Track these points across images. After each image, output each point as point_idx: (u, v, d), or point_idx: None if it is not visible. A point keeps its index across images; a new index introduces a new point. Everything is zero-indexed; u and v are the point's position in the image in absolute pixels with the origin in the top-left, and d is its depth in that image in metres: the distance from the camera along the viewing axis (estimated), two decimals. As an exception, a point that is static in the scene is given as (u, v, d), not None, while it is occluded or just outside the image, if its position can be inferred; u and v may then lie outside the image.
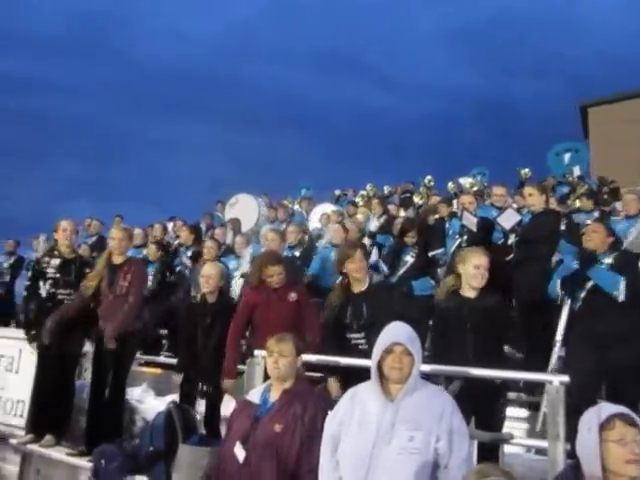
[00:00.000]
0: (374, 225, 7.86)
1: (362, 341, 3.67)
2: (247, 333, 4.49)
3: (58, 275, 4.79)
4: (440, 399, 2.40)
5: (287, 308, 4.16)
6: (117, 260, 4.64)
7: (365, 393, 2.45)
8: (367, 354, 3.51)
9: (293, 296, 4.19)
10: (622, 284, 3.63)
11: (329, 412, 2.60)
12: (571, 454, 2.39)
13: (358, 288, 3.79)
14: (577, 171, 12.12)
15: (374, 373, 2.40)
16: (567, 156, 10.64)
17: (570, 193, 9.34)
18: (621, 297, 3.63)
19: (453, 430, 2.28)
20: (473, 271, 3.42)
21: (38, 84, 54.20)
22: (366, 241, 6.95)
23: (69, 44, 57.21)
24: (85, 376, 5.93)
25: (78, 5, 56.70)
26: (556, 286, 3.96)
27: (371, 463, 2.25)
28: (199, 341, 4.33)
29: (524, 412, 4.40)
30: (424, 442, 2.24)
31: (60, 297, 4.78)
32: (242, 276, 6.41)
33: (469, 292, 3.46)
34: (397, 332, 2.43)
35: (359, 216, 8.68)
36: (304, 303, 4.26)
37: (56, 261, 4.84)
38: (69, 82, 56.74)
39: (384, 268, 5.89)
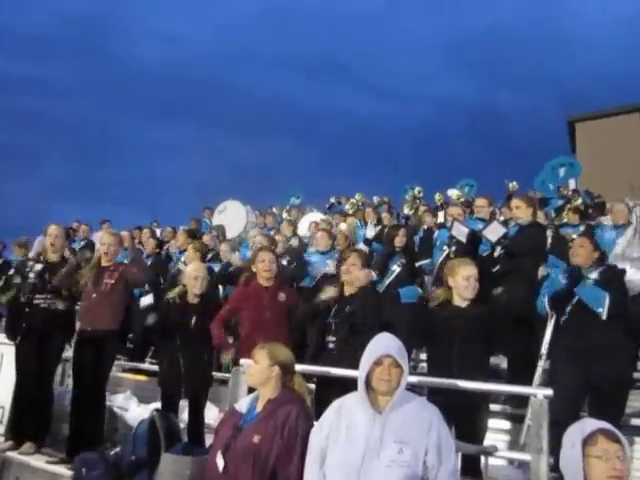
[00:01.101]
0: (371, 233, 7.88)
1: (334, 345, 3.75)
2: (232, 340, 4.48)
3: (37, 281, 4.73)
4: (427, 411, 2.40)
5: (278, 308, 4.28)
6: (104, 262, 4.63)
7: (352, 405, 2.44)
8: (338, 359, 3.61)
9: (282, 296, 4.33)
10: (607, 301, 3.66)
11: (314, 423, 2.59)
12: (554, 467, 2.41)
13: (349, 291, 3.88)
14: (572, 184, 12.29)
15: (362, 384, 2.39)
16: (562, 170, 10.79)
17: (564, 205, 9.42)
18: (604, 315, 3.66)
19: (441, 442, 2.29)
20: (463, 282, 3.47)
21: (30, 85, 54.10)
22: (362, 247, 7.00)
23: (62, 45, 57.18)
24: (67, 382, 5.87)
25: (72, 7, 56.71)
26: (543, 302, 3.98)
27: (360, 476, 2.24)
28: (178, 343, 4.20)
29: (508, 424, 4.41)
30: (413, 455, 2.24)
31: (36, 302, 4.70)
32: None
33: (460, 302, 3.51)
34: (386, 344, 2.43)
35: (342, 225, 8.70)
36: (292, 300, 4.42)
37: (38, 266, 4.79)
38: (61, 83, 56.66)
39: (373, 275, 5.92)
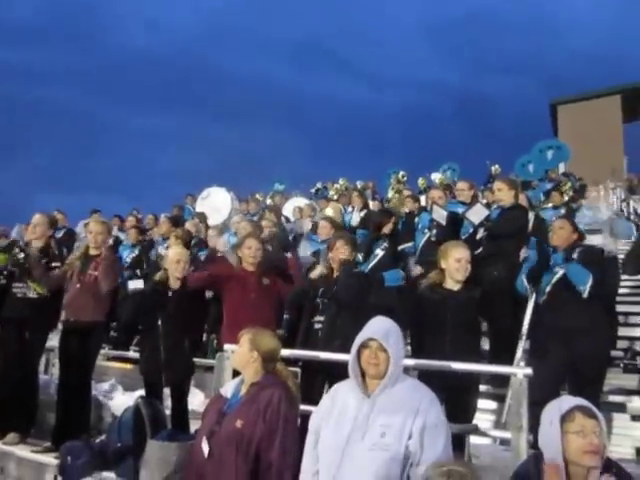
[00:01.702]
0: (355, 219, 7.87)
1: (320, 326, 3.83)
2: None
3: (15, 268, 4.67)
4: (418, 394, 2.37)
5: (262, 291, 4.34)
6: (93, 251, 4.60)
7: (346, 388, 2.46)
8: (321, 338, 3.70)
9: (266, 280, 4.40)
10: (590, 280, 3.73)
11: (300, 406, 2.61)
12: (534, 444, 2.45)
13: (336, 274, 3.95)
14: (562, 168, 12.40)
15: (352, 368, 2.40)
16: (550, 153, 10.89)
17: (553, 189, 9.51)
18: (585, 294, 3.73)
19: (426, 426, 2.24)
20: (455, 265, 3.51)
21: (13, 72, 52.85)
22: None
23: (46, 32, 56.03)
24: (52, 371, 5.85)
25: (56, -7, 55.32)
26: (522, 280, 4.04)
27: (343, 458, 2.25)
28: (160, 330, 4.15)
29: (491, 404, 4.49)
30: (396, 438, 2.23)
31: (14, 290, 4.65)
32: None
33: (452, 285, 3.55)
34: (373, 328, 2.43)
35: (328, 210, 8.68)
36: (278, 283, 4.49)
37: (20, 255, 4.73)
38: (45, 70, 55.56)
39: (359, 258, 5.96)
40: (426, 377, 3.04)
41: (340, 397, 2.45)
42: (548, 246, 4.04)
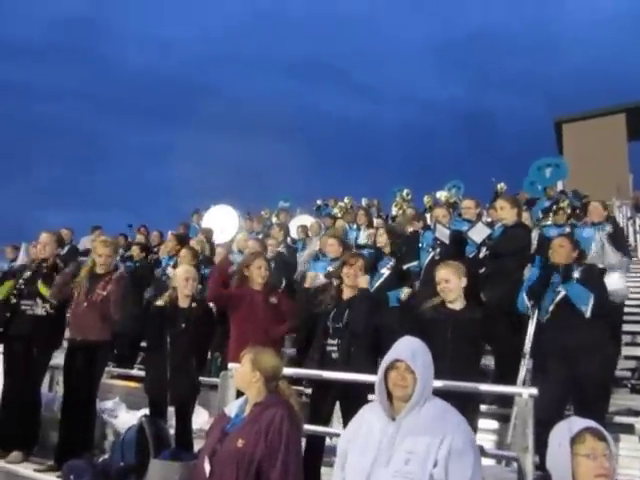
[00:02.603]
0: (363, 237, 7.90)
1: (334, 348, 3.75)
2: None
3: (23, 286, 4.71)
4: (445, 417, 2.30)
5: (270, 310, 4.35)
6: (100, 270, 4.60)
7: (372, 410, 2.43)
8: (338, 363, 3.65)
9: (274, 300, 4.41)
10: (591, 300, 3.72)
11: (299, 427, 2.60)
12: (539, 466, 2.43)
13: (347, 295, 3.91)
14: (560, 186, 12.43)
15: (379, 390, 2.37)
16: (548, 171, 10.94)
17: (551, 207, 9.51)
18: (588, 314, 3.73)
19: (452, 452, 2.16)
20: (438, 287, 3.56)
21: (15, 89, 53.56)
22: None
23: (47, 49, 56.81)
24: (57, 389, 5.84)
25: (59, 11, 56.43)
26: (523, 299, 4.04)
27: None
28: (168, 349, 4.14)
29: (495, 424, 4.45)
30: (420, 465, 2.16)
31: (23, 307, 4.66)
32: None
33: (455, 305, 3.56)
34: (400, 348, 2.40)
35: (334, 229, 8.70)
36: (285, 304, 4.49)
37: (28, 273, 4.77)
38: (47, 88, 56.21)
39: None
40: None
41: (366, 419, 2.41)
42: (550, 264, 4.04)
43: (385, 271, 5.70)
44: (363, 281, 3.90)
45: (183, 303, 4.31)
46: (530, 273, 4.21)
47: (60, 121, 55.79)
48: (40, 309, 4.63)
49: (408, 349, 2.37)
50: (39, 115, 54.89)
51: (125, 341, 6.38)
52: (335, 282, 4.05)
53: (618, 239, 5.37)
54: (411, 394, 2.29)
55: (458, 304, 3.55)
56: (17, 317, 4.66)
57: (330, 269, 5.90)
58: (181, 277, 4.34)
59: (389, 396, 2.36)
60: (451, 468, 2.14)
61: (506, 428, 4.13)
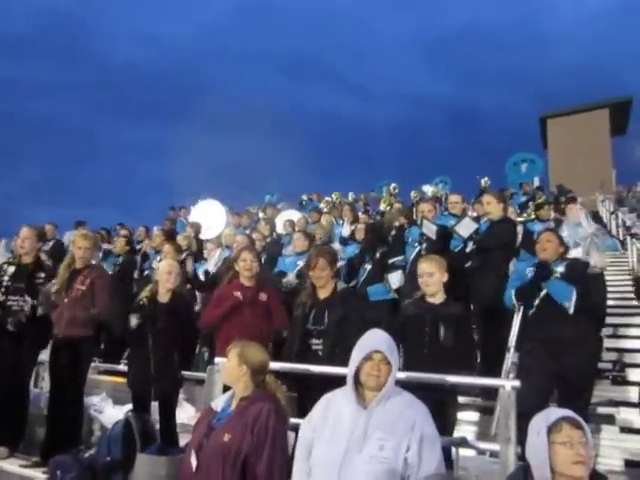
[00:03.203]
0: (346, 231, 7.93)
1: (318, 347, 3.74)
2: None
3: (10, 283, 4.67)
4: (413, 408, 2.38)
5: (258, 307, 4.29)
6: (79, 264, 4.56)
7: (340, 399, 2.45)
8: (323, 360, 3.61)
9: (263, 296, 4.33)
10: (573, 295, 3.76)
11: (290, 419, 2.62)
12: (522, 457, 2.47)
13: (322, 294, 3.87)
14: (537, 182, 12.58)
15: (350, 379, 2.40)
16: (524, 166, 11.08)
17: (528, 202, 9.63)
18: (571, 310, 3.76)
19: (424, 439, 2.27)
20: (419, 280, 3.58)
21: (4, 84, 52.74)
22: (337, 246, 7.07)
23: (37, 45, 56.07)
24: (42, 385, 5.80)
25: (48, 5, 55.54)
26: (510, 295, 4.07)
27: (341, 471, 2.24)
28: (149, 345, 4.13)
29: (480, 416, 4.51)
30: (394, 451, 2.24)
31: (9, 303, 4.63)
32: (205, 273, 6.44)
33: (434, 299, 3.59)
34: (377, 340, 2.44)
35: (322, 222, 8.73)
36: (274, 303, 4.40)
37: (12, 268, 4.73)
38: (36, 83, 55.49)
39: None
40: (409, 390, 3.08)
41: (333, 408, 2.43)
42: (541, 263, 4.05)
43: (367, 266, 5.75)
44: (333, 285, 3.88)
45: (163, 298, 4.29)
46: (515, 268, 4.24)
47: (50, 117, 55.18)
48: (28, 306, 4.60)
49: (383, 341, 2.43)
50: (29, 111, 54.25)
51: (112, 336, 6.35)
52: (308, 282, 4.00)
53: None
54: (383, 384, 2.35)
55: (438, 298, 3.58)
56: (4, 313, 4.61)
57: (300, 263, 5.92)
58: (164, 271, 4.32)
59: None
60: (424, 453, 2.25)
61: (490, 420, 4.19)
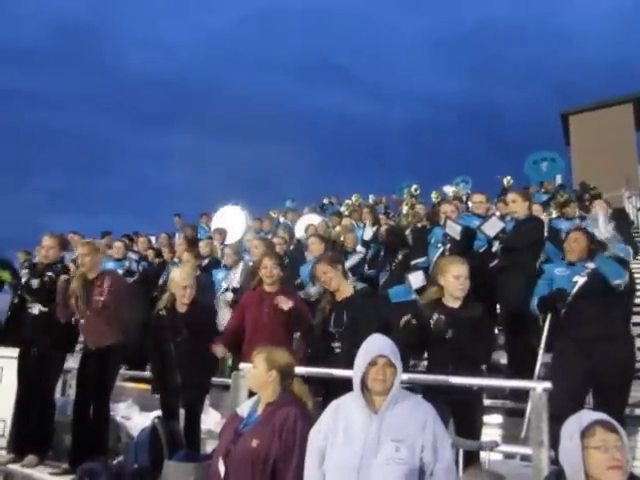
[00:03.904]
0: (368, 234, 7.89)
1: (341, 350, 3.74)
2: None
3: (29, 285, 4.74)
4: (422, 410, 2.43)
5: (278, 313, 4.13)
6: (90, 275, 4.52)
7: (349, 405, 2.46)
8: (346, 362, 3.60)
9: (289, 303, 4.10)
10: (626, 273, 3.67)
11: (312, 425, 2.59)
12: (555, 460, 2.41)
13: (340, 296, 3.89)
14: (559, 180, 12.38)
15: (357, 385, 2.42)
16: (544, 165, 10.92)
17: (549, 200, 9.48)
18: (622, 286, 3.65)
19: (436, 439, 2.33)
20: (454, 282, 3.45)
21: (20, 96, 53.98)
22: (359, 249, 7.05)
23: (51, 55, 57.20)
24: (69, 393, 5.87)
25: (60, 16, 56.76)
26: (534, 305, 3.98)
27: (360, 475, 2.26)
28: (172, 356, 4.12)
29: (510, 419, 4.42)
30: (410, 452, 2.28)
31: (27, 305, 4.71)
32: (233, 290, 6.37)
33: (452, 302, 3.49)
34: (380, 344, 2.46)
35: (342, 225, 8.70)
36: (296, 308, 4.19)
37: (33, 276, 4.79)
38: (52, 94, 56.63)
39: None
40: (431, 393, 3.05)
41: (343, 412, 2.44)
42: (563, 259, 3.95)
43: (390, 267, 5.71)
44: (345, 287, 3.88)
45: (182, 308, 4.27)
46: (547, 270, 4.11)
47: (66, 127, 56.21)
48: (36, 309, 4.65)
49: (386, 345, 2.46)
50: (45, 121, 55.32)
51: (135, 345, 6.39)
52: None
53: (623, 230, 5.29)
54: (390, 387, 2.38)
55: (456, 302, 3.49)
56: (23, 315, 4.70)
57: None
58: (178, 286, 4.24)
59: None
60: (438, 452, 2.33)
61: (521, 423, 4.10)
